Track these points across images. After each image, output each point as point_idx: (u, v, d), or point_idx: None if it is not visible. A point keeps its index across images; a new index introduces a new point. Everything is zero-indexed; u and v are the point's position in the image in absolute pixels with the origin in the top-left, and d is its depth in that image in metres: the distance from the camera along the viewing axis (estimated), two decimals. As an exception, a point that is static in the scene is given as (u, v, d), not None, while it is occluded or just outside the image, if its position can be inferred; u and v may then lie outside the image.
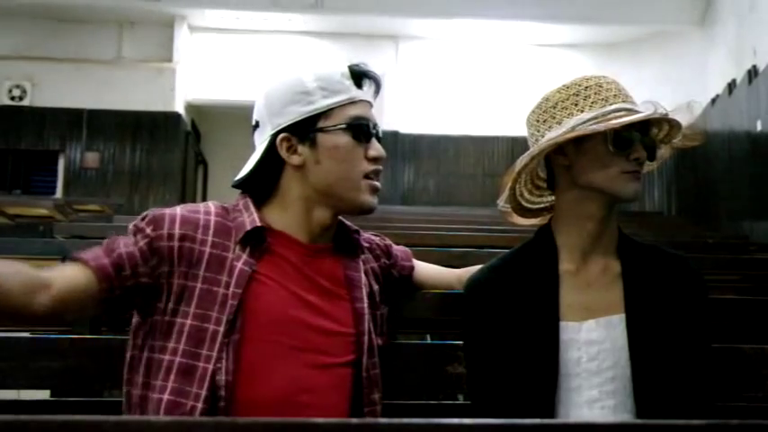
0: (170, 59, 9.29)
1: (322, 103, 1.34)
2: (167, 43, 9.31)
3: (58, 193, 8.86)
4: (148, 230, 1.29)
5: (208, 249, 1.29)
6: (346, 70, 1.37)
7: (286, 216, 1.37)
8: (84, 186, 8.96)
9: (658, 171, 8.93)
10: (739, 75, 6.78)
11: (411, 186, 9.52)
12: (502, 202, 1.45)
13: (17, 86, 9.07)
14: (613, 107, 1.31)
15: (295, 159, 1.35)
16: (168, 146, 9.17)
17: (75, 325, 1.88)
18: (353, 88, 1.37)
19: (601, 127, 1.28)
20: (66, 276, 1.22)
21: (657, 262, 1.39)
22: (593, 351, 1.30)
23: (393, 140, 9.26)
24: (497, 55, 9.76)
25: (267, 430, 0.57)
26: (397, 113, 9.28)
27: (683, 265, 1.40)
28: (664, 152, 1.44)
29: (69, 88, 8.99)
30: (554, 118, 1.34)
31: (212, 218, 1.32)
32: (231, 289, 1.26)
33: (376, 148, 1.37)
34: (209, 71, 9.49)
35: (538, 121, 1.37)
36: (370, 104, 1.40)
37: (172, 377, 1.24)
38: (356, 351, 1.34)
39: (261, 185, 1.39)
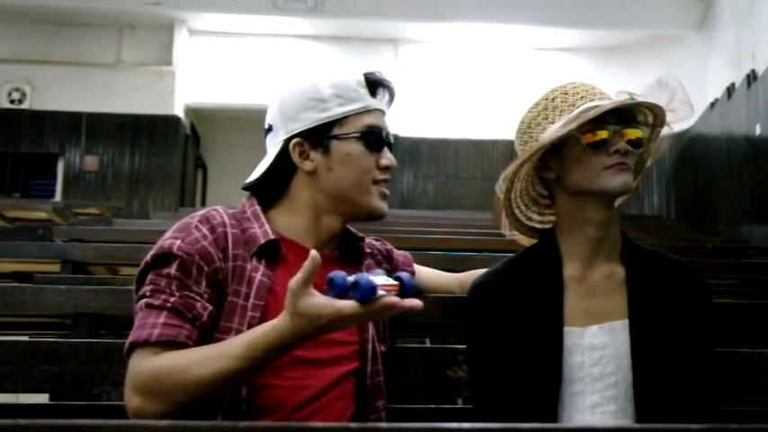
0: (169, 63, 9.30)
1: (337, 110, 1.34)
2: (167, 47, 9.31)
3: (57, 197, 8.85)
4: (204, 267, 1.25)
5: (231, 264, 1.28)
6: (362, 78, 1.38)
7: (294, 221, 1.36)
8: (84, 190, 8.95)
9: (657, 175, 8.96)
10: (738, 79, 6.79)
11: (410, 190, 9.53)
12: (506, 231, 1.45)
13: (17, 90, 9.08)
14: (580, 109, 1.30)
15: (307, 165, 1.35)
16: (167, 149, 9.17)
17: (76, 328, 1.87)
18: (368, 96, 1.37)
19: (562, 131, 1.28)
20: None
21: (662, 269, 1.38)
22: (596, 356, 1.30)
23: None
24: (496, 58, 9.77)
25: (267, 435, 0.57)
26: (396, 117, 9.25)
27: (688, 272, 1.40)
28: (662, 137, 1.40)
29: (69, 92, 9.00)
30: (532, 137, 1.36)
31: (229, 230, 1.31)
32: (251, 300, 1.26)
33: (388, 158, 1.38)
34: (209, 75, 9.50)
35: (521, 144, 1.39)
36: (383, 113, 1.41)
37: None
38: (360, 359, 1.34)
39: (270, 189, 1.39)
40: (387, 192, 1.39)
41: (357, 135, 1.35)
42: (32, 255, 3.30)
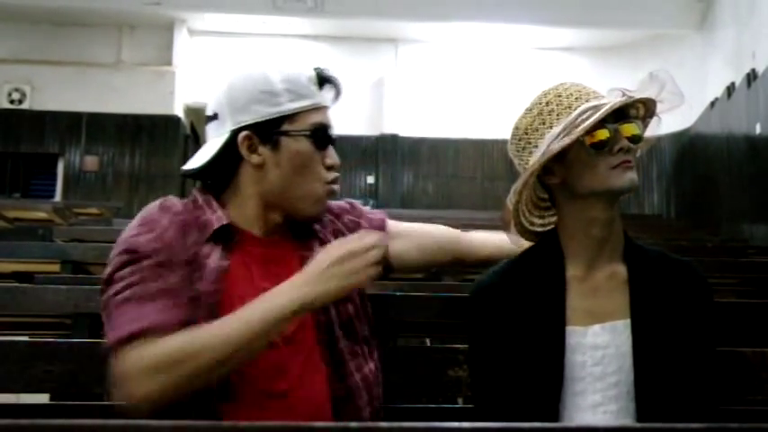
0: (169, 63, 9.30)
1: (288, 106, 1.33)
2: (167, 47, 9.32)
3: (58, 197, 8.86)
4: (172, 258, 1.25)
5: (191, 251, 1.28)
6: (313, 74, 1.37)
7: (243, 211, 1.36)
8: (84, 190, 8.96)
9: (657, 174, 8.96)
10: (738, 78, 6.80)
11: (410, 189, 9.53)
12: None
13: (16, 90, 9.08)
14: (578, 111, 1.30)
15: (255, 159, 1.34)
16: (167, 149, 9.18)
17: (76, 328, 1.87)
18: (318, 93, 1.37)
19: (569, 139, 1.27)
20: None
21: (664, 268, 1.38)
22: (598, 356, 1.30)
23: (392, 143, 9.28)
24: (496, 58, 9.77)
25: (268, 434, 0.57)
26: (396, 116, 9.29)
27: (690, 271, 1.40)
28: (653, 127, 1.40)
29: (69, 92, 9.00)
30: (530, 143, 1.35)
31: (186, 217, 1.31)
32: (209, 287, 1.25)
33: (332, 157, 1.38)
34: (209, 74, 9.49)
35: (518, 150, 1.38)
36: (328, 110, 1.40)
37: None
38: (325, 327, 1.32)
39: (217, 178, 1.38)
40: (336, 189, 1.39)
41: (307, 133, 1.34)
42: (32, 255, 3.30)
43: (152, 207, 1.33)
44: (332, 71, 1.41)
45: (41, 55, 9.11)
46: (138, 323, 1.17)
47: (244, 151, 1.33)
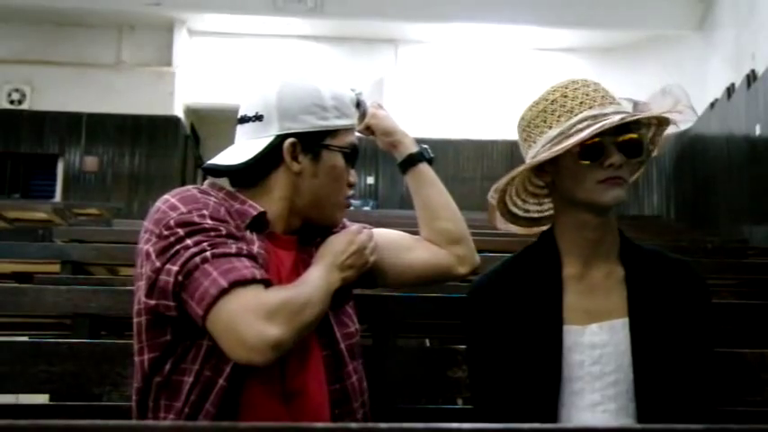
0: (169, 63, 9.30)
1: (334, 122, 1.39)
2: (167, 47, 9.32)
3: (57, 197, 8.86)
4: (223, 230, 1.25)
5: (235, 229, 1.28)
6: (354, 96, 1.46)
7: (267, 208, 1.37)
8: (84, 190, 8.96)
9: (657, 175, 8.96)
10: (738, 79, 6.80)
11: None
12: (501, 225, 1.47)
13: (16, 90, 9.08)
14: (577, 118, 1.29)
15: (295, 166, 1.37)
16: (167, 150, 9.18)
17: (76, 328, 1.88)
18: (355, 114, 1.46)
19: (554, 151, 1.27)
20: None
21: (661, 267, 1.39)
22: (596, 354, 1.30)
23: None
24: (496, 59, 9.77)
25: (268, 434, 0.57)
26: (396, 117, 9.27)
27: (687, 270, 1.40)
28: (663, 141, 1.40)
29: (68, 92, 9.00)
30: (530, 137, 1.37)
31: (221, 202, 1.32)
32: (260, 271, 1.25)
33: (353, 175, 1.46)
34: (209, 75, 9.50)
35: (521, 140, 1.40)
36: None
37: None
38: (325, 329, 1.34)
39: (246, 178, 1.39)
40: (349, 203, 1.48)
41: (346, 150, 1.41)
42: (32, 255, 3.30)
43: (188, 192, 1.31)
44: (363, 96, 1.52)
45: (41, 55, 9.11)
46: (237, 273, 1.17)
47: (287, 157, 1.36)
